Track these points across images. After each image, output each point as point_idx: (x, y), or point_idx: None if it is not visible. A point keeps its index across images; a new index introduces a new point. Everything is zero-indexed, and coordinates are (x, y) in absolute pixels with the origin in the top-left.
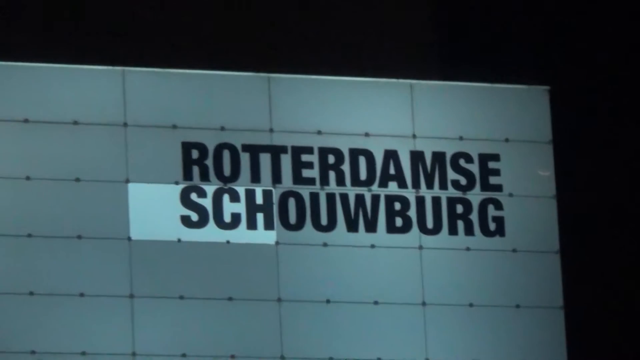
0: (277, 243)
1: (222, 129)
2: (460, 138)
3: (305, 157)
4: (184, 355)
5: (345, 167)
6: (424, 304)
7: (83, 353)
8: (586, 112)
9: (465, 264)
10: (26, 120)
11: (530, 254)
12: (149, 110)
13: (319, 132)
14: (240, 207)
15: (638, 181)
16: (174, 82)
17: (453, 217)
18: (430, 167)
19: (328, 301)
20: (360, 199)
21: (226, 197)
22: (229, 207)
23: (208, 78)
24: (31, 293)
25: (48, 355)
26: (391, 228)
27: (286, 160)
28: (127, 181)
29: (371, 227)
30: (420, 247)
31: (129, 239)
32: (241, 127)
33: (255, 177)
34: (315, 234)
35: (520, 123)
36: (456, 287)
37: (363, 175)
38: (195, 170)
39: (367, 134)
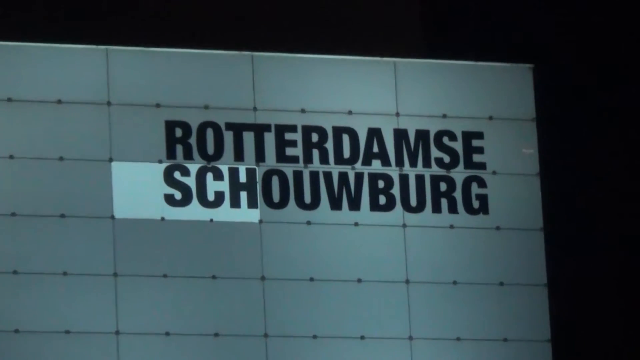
0: (260, 221)
1: (206, 107)
2: (444, 116)
3: (288, 136)
4: (167, 333)
5: (329, 145)
6: (407, 281)
7: (67, 332)
8: (570, 90)
9: (449, 241)
10: (9, 99)
11: (513, 232)
12: (132, 89)
13: (303, 111)
14: (224, 186)
15: (621, 159)
16: (157, 61)
17: (437, 194)
18: (413, 145)
19: (312, 279)
20: (343, 177)
21: (210, 176)
22: (213, 186)
23: (191, 57)
24: (15, 272)
25: (31, 334)
26: (375, 206)
27: (270, 139)
28: (111, 160)
29: (355, 205)
30: (404, 225)
31: (113, 217)
32: (225, 106)
33: (239, 156)
34: (299, 212)
35: (503, 101)
36: (440, 264)
37: (347, 153)
38: (179, 148)
39: (350, 112)
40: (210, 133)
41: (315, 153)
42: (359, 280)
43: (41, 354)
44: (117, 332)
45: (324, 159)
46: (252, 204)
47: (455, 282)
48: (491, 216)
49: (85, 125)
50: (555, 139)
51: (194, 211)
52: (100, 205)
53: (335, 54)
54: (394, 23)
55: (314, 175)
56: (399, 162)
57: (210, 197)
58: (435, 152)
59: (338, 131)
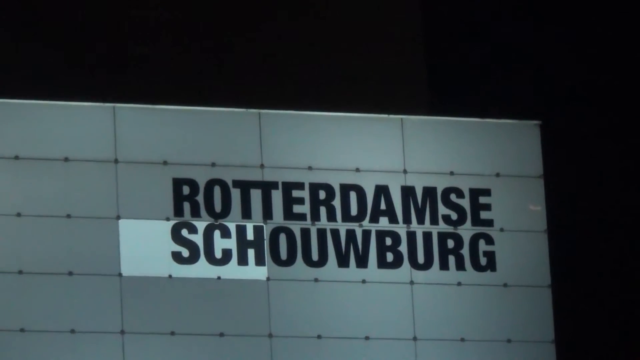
0: (268, 279)
1: (213, 165)
2: (451, 173)
3: (296, 193)
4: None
5: (336, 203)
6: (415, 339)
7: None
8: (577, 147)
9: (457, 298)
10: (17, 157)
11: (521, 289)
12: (139, 147)
13: (310, 168)
14: (231, 243)
15: (631, 213)
16: (165, 119)
17: (444, 252)
18: (421, 202)
19: (319, 337)
20: (351, 234)
21: (217, 233)
22: (220, 243)
23: (198, 114)
24: (22, 330)
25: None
26: (382, 263)
27: (277, 196)
28: (118, 217)
29: (362, 262)
30: (412, 282)
31: (120, 275)
32: (232, 163)
33: (246, 213)
34: (307, 269)
35: (511, 158)
36: (447, 321)
37: (354, 210)
38: (186, 206)
39: (357, 170)
40: (217, 190)
41: (323, 210)
42: (367, 338)
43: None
44: None
45: (331, 217)
46: (259, 261)
47: (463, 339)
48: (499, 273)
49: (92, 183)
50: (562, 196)
51: (202, 269)
52: (108, 262)
53: (342, 111)
54: (401, 80)
55: (322, 233)
56: (407, 220)
57: (218, 254)
58: (442, 209)
59: (345, 188)
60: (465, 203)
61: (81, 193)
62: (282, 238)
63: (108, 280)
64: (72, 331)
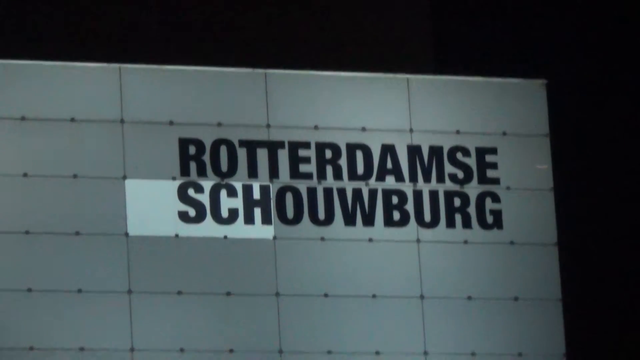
0: (274, 238)
1: (219, 124)
2: (457, 132)
3: (302, 152)
4: (182, 350)
5: (343, 162)
6: (422, 297)
7: (81, 349)
8: (583, 105)
9: (463, 256)
10: (23, 118)
11: (528, 247)
12: (145, 107)
13: (316, 127)
14: (238, 203)
15: (636, 171)
16: (171, 79)
17: (451, 210)
18: (427, 160)
19: (326, 295)
20: (357, 193)
21: (223, 193)
22: (227, 203)
23: (204, 74)
24: (29, 290)
25: (46, 351)
26: (389, 222)
27: (283, 156)
28: (125, 177)
29: (369, 221)
30: (418, 241)
31: (127, 235)
32: (238, 123)
33: (253, 173)
34: (313, 228)
35: (517, 116)
36: (454, 279)
37: (360, 169)
38: (193, 166)
39: (364, 129)
40: (223, 150)
41: (329, 169)
42: (374, 296)
43: None
44: (132, 349)
45: (337, 175)
46: (266, 220)
47: (469, 298)
48: (505, 231)
49: (98, 143)
50: (568, 153)
51: (208, 228)
52: (114, 222)
53: (348, 70)
54: (407, 40)
55: (328, 192)
56: (413, 178)
57: (224, 214)
58: (449, 168)
59: (352, 148)
60: (471, 161)
61: (87, 153)
62: (289, 197)
63: (115, 240)
64: (79, 291)
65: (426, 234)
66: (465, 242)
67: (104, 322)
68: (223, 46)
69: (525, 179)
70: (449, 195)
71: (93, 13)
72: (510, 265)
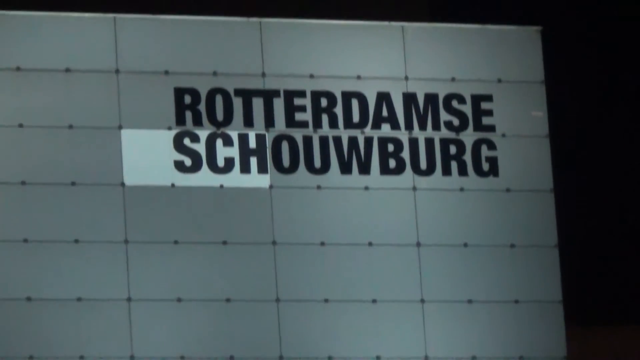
0: (270, 187)
1: (215, 74)
2: (453, 79)
3: (297, 101)
4: (179, 299)
5: (338, 110)
6: (418, 244)
7: (79, 299)
8: (578, 52)
9: (460, 204)
10: (18, 69)
11: (524, 193)
12: (140, 57)
13: (311, 76)
14: (234, 152)
15: (631, 119)
16: (166, 29)
17: (446, 157)
18: (422, 108)
19: (322, 244)
20: (353, 141)
21: (219, 142)
22: (222, 152)
23: (199, 24)
24: (25, 240)
25: (44, 302)
26: (385, 170)
27: (279, 104)
28: (120, 127)
29: (365, 169)
30: (414, 188)
31: (123, 184)
32: (233, 72)
33: (248, 122)
34: (309, 177)
35: (512, 64)
36: (450, 227)
37: (356, 117)
38: (188, 115)
39: (359, 77)
40: (219, 99)
41: (325, 118)
42: (370, 244)
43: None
44: (129, 299)
45: (333, 124)
46: (262, 169)
47: (466, 245)
48: (501, 178)
49: (94, 94)
50: (564, 100)
51: (204, 177)
52: (110, 172)
53: (343, 19)
54: None
55: (324, 140)
56: (409, 126)
57: (220, 163)
58: (444, 116)
59: (347, 96)
60: (467, 109)
61: (83, 103)
62: (285, 146)
63: (111, 190)
64: (76, 241)
65: (422, 181)
66: (461, 189)
67: (100, 273)
68: None
69: (521, 126)
70: (445, 143)
71: None
72: (507, 212)
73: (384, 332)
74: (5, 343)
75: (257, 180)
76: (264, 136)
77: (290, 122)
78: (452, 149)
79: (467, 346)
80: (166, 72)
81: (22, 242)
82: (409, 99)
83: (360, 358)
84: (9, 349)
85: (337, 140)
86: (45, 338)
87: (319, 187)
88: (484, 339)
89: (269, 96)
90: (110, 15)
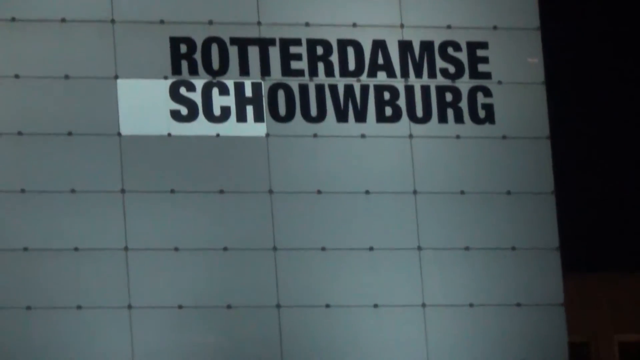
0: (267, 135)
1: (210, 22)
2: (448, 27)
3: (293, 49)
4: (176, 249)
5: (334, 58)
6: (415, 192)
7: (76, 249)
8: None
9: (456, 151)
10: (13, 19)
11: (520, 141)
12: (136, 6)
13: (307, 24)
14: (230, 100)
15: (626, 64)
16: None
17: (442, 105)
18: (418, 56)
19: (319, 192)
20: (349, 89)
21: (215, 91)
22: (219, 100)
23: None
24: (23, 190)
25: (41, 251)
26: (381, 117)
27: (274, 53)
28: (116, 77)
29: (361, 117)
30: (411, 136)
31: (119, 134)
32: (229, 21)
33: (244, 70)
34: (305, 125)
35: (508, 10)
36: (447, 175)
37: (352, 65)
38: (184, 64)
39: (355, 25)
40: (215, 48)
41: (321, 66)
42: (367, 192)
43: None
44: (126, 248)
45: (329, 72)
46: (258, 118)
47: (462, 192)
48: (497, 125)
49: (90, 44)
50: (559, 47)
51: (200, 126)
52: (107, 122)
53: None
54: None
55: (320, 88)
56: (404, 74)
57: (217, 112)
58: (440, 63)
59: (343, 44)
60: (462, 56)
61: (79, 54)
62: (281, 94)
63: (107, 139)
64: (73, 191)
65: (418, 129)
66: (458, 137)
67: (97, 222)
68: None
69: (517, 72)
70: (441, 90)
71: None
72: (503, 160)
73: (381, 281)
74: (3, 294)
75: (253, 129)
76: (260, 85)
77: (286, 70)
78: (448, 97)
79: (465, 293)
80: (162, 22)
81: (19, 192)
82: (405, 46)
83: (358, 306)
84: (7, 300)
85: (333, 89)
86: (43, 288)
87: (315, 136)
88: (481, 286)
89: (264, 45)
90: None
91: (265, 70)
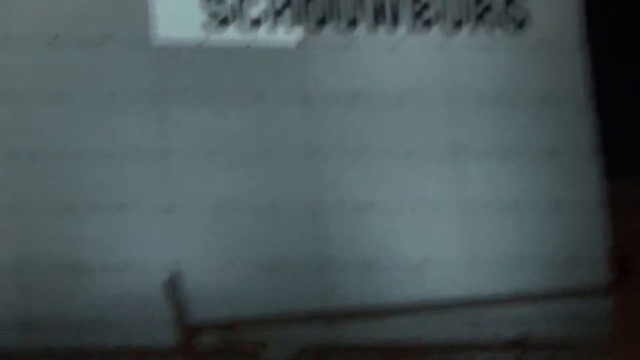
0: (300, 43)
1: None
2: None
3: None
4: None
5: None
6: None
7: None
8: None
9: (490, 56)
10: None
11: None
12: None
13: None
14: (262, 10)
15: None
16: None
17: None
18: None
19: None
20: None
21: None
22: (251, 10)
23: None
24: (60, 93)
25: (79, 154)
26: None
27: None
28: None
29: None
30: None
31: (151, 43)
32: None
33: None
34: (337, 35)
35: None
36: (483, 82)
37: None
38: None
39: None
40: None
41: None
42: (401, 99)
43: None
44: (164, 153)
45: None
46: (291, 26)
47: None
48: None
49: None
50: None
51: (233, 35)
52: (139, 30)
53: None
54: None
55: None
56: None
57: (250, 20)
58: None
59: None
60: None
61: None
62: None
63: (139, 47)
64: (110, 94)
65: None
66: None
67: (133, 126)
68: None
69: None
70: None
71: None
72: (537, 67)
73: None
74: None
75: (285, 38)
76: None
77: None
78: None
79: (509, 191)
80: None
81: (57, 94)
82: None
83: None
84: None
85: None
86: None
87: (346, 47)
88: (521, 186)
89: None
90: None
91: None
